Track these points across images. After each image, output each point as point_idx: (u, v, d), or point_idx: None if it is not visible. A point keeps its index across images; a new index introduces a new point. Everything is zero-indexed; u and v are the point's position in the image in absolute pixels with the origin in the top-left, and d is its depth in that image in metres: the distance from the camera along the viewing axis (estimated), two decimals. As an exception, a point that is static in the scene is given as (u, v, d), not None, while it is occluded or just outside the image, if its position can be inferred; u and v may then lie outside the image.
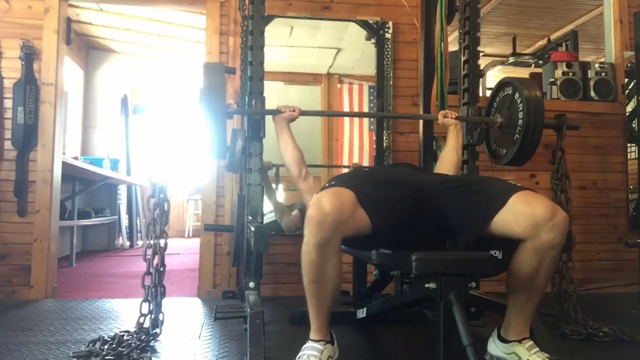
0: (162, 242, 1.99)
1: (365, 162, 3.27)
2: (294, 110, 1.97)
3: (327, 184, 1.53)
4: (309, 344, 1.48)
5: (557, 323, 2.16)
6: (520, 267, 1.45)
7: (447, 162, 2.04)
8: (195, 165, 6.73)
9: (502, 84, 2.13)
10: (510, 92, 2.05)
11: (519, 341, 1.51)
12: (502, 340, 1.55)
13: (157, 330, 1.96)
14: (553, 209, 1.38)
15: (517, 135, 1.99)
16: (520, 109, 1.97)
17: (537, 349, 1.48)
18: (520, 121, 1.97)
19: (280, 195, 3.03)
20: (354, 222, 1.39)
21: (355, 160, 3.30)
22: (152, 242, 1.97)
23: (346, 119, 3.35)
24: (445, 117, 2.09)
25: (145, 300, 1.96)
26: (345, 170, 3.29)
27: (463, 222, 1.51)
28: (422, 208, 1.53)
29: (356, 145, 3.31)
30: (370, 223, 1.42)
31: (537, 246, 1.39)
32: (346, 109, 3.41)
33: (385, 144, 3.14)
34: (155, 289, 1.97)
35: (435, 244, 1.64)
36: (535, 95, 1.95)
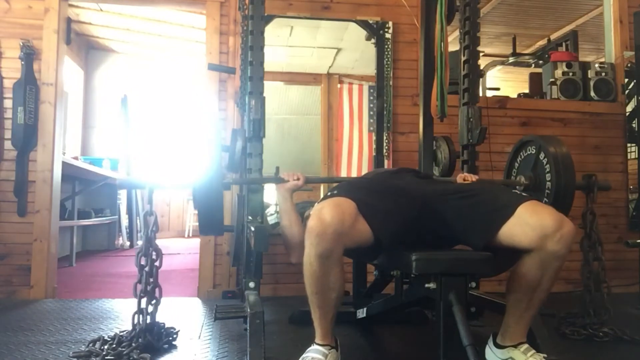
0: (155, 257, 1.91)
1: (365, 162, 3.26)
2: (298, 179, 1.80)
3: (328, 193, 1.52)
4: (314, 347, 1.48)
5: (557, 323, 2.16)
6: (523, 276, 1.44)
7: None
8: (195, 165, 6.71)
9: (524, 143, 2.02)
10: (533, 152, 1.94)
11: (515, 346, 1.51)
12: (498, 346, 1.55)
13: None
14: (560, 220, 1.36)
15: (545, 199, 1.85)
16: (547, 170, 1.84)
17: (533, 351, 1.48)
18: (549, 184, 1.83)
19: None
20: (355, 232, 1.37)
21: (355, 163, 3.29)
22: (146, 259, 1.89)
23: (346, 120, 3.34)
24: (464, 180, 1.92)
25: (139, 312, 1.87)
26: (344, 170, 3.29)
27: (468, 233, 1.49)
28: (425, 219, 1.52)
29: (356, 146, 3.31)
30: (372, 234, 1.41)
31: (543, 257, 1.38)
32: (346, 108, 3.40)
33: (385, 145, 3.14)
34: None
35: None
36: (563, 154, 1.81)
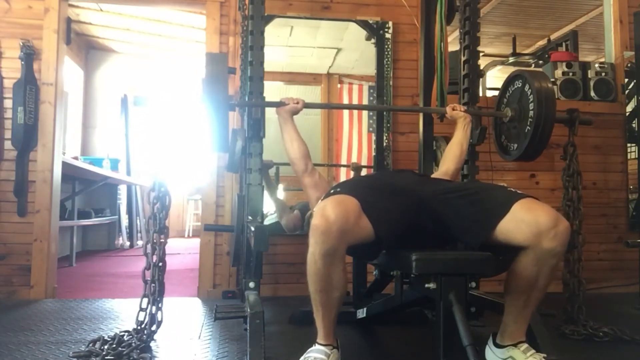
0: (162, 237, 1.95)
1: (365, 162, 3.26)
2: (297, 102, 1.93)
3: (331, 191, 1.52)
4: (316, 346, 1.48)
5: (557, 323, 2.16)
6: (519, 274, 1.44)
7: (450, 155, 2.04)
8: (195, 165, 6.72)
9: (512, 77, 2.11)
10: (520, 85, 2.04)
11: (515, 345, 1.50)
12: (498, 346, 1.55)
13: (154, 328, 1.92)
14: (556, 218, 1.36)
15: (528, 127, 1.96)
16: (531, 100, 1.94)
17: (533, 351, 1.48)
18: (531, 113, 1.94)
19: (280, 195, 3.03)
20: (358, 230, 1.38)
21: (355, 159, 3.30)
22: (151, 237, 1.93)
23: (346, 121, 3.35)
24: (453, 110, 2.08)
25: (146, 296, 1.92)
26: (344, 170, 3.30)
27: (465, 231, 1.50)
28: (424, 218, 1.53)
29: (355, 146, 3.31)
30: (374, 232, 1.41)
31: (538, 254, 1.38)
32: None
33: (385, 145, 3.14)
34: (155, 285, 1.93)
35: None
36: (546, 87, 1.93)
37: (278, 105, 1.94)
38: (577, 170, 2.26)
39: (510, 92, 2.12)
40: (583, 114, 2.25)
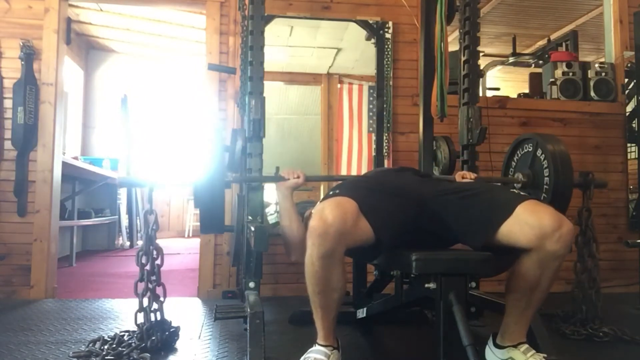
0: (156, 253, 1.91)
1: (365, 162, 3.26)
2: (298, 177, 1.79)
3: (330, 192, 1.52)
4: (316, 347, 1.48)
5: (557, 323, 2.16)
6: (522, 276, 1.43)
7: None
8: (195, 164, 6.72)
9: (521, 141, 2.03)
10: (530, 149, 1.96)
11: (515, 346, 1.50)
12: (498, 346, 1.55)
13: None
14: (560, 220, 1.36)
15: (544, 194, 1.87)
16: (545, 166, 1.86)
17: (533, 351, 1.48)
18: (547, 179, 1.85)
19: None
20: (357, 232, 1.37)
21: (355, 163, 3.29)
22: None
23: (346, 121, 3.34)
24: (463, 178, 1.97)
25: (141, 310, 1.89)
26: (344, 168, 3.29)
27: (467, 233, 1.49)
28: (425, 218, 1.53)
29: (355, 146, 3.31)
30: (373, 234, 1.41)
31: (542, 256, 1.38)
32: (346, 109, 3.40)
33: (385, 145, 3.14)
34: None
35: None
36: (560, 152, 1.84)
37: (277, 179, 1.81)
38: (593, 237, 2.14)
39: (519, 155, 2.04)
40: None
